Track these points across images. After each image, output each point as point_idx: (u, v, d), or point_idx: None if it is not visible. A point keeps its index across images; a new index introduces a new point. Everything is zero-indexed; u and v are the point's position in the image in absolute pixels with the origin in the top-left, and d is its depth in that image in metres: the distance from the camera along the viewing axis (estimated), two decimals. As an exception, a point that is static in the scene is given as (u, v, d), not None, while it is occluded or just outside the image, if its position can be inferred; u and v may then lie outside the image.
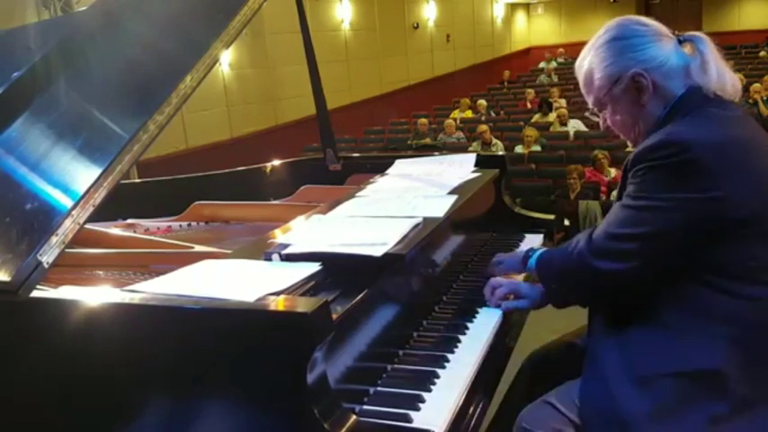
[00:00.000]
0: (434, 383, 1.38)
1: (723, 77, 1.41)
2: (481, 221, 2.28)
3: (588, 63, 1.48)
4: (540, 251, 1.65)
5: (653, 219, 1.32)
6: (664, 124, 1.39)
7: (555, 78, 13.69)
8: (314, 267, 1.39)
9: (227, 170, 2.92)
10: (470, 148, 7.79)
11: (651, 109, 1.43)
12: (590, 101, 1.52)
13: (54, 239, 1.28)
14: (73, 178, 1.41)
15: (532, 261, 1.64)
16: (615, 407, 1.34)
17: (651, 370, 1.33)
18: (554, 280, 1.55)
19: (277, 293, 1.24)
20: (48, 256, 1.27)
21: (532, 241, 2.32)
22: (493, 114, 11.14)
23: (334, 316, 1.20)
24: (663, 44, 1.42)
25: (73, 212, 1.32)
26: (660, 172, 1.31)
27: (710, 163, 1.28)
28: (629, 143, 1.55)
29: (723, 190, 1.27)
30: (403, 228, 1.60)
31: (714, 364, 1.29)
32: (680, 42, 1.44)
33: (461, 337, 1.59)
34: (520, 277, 1.85)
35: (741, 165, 1.31)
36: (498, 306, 1.72)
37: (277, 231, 1.77)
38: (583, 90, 1.53)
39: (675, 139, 1.30)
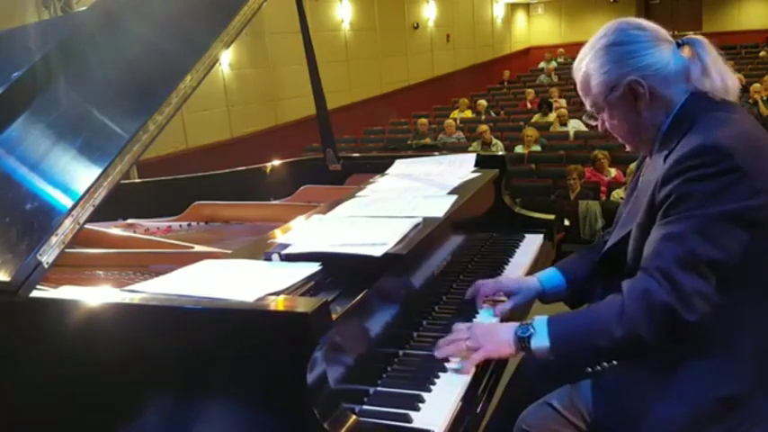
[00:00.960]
0: (434, 383, 1.38)
1: (725, 80, 1.39)
2: (481, 221, 2.28)
3: (585, 67, 1.44)
4: (542, 334, 1.37)
5: (712, 244, 1.24)
6: (673, 132, 1.37)
7: (555, 78, 13.68)
8: (314, 267, 1.39)
9: (227, 170, 2.92)
10: (470, 148, 7.78)
11: (648, 117, 1.40)
12: (587, 104, 1.50)
13: (54, 239, 1.29)
14: (73, 178, 1.41)
15: (540, 341, 1.38)
16: (638, 409, 1.35)
17: (679, 386, 1.33)
18: (596, 354, 1.37)
19: (277, 293, 1.24)
20: (48, 256, 1.27)
21: (532, 241, 2.33)
22: (493, 114, 11.13)
23: (334, 316, 1.20)
24: (661, 49, 1.39)
25: (73, 212, 1.33)
26: (703, 184, 1.25)
27: (749, 167, 1.24)
28: (627, 147, 1.54)
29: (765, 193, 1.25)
30: (403, 228, 1.60)
31: (742, 388, 1.30)
32: (678, 46, 1.42)
33: (461, 337, 1.58)
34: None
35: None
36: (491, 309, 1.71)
37: (277, 231, 1.77)
38: (580, 92, 1.51)
39: (713, 144, 1.26)
